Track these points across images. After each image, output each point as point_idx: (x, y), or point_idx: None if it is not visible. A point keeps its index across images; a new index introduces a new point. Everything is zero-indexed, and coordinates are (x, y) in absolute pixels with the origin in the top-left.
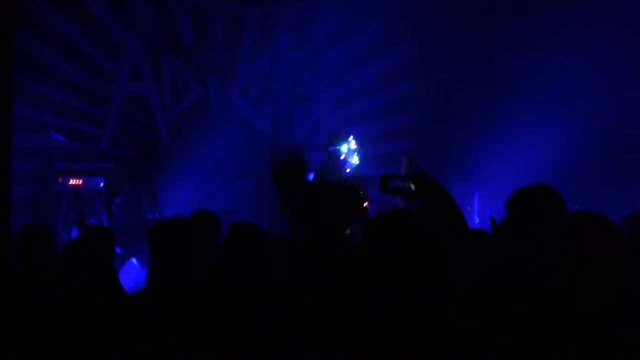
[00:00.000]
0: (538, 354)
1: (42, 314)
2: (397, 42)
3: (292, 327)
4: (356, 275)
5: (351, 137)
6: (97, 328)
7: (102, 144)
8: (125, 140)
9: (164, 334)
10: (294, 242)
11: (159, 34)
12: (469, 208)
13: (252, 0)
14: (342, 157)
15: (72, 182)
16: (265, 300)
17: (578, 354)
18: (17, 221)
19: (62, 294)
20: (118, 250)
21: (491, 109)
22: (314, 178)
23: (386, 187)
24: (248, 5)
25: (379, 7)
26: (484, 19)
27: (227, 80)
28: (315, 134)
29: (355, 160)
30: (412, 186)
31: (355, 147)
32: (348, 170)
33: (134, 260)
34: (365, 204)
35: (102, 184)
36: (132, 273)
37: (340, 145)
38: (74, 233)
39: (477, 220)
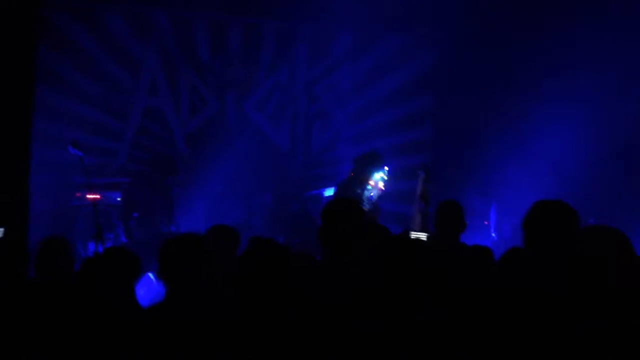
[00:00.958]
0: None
1: (59, 326)
2: (415, 56)
3: (312, 341)
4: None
5: (386, 168)
6: (111, 342)
7: (120, 159)
8: (142, 155)
9: (179, 348)
10: (312, 257)
11: (177, 48)
12: (486, 223)
13: (269, 14)
14: (372, 183)
15: (89, 196)
16: (284, 313)
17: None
18: (34, 235)
19: (79, 310)
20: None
21: (508, 125)
22: (335, 192)
23: None
24: (265, 20)
25: (396, 22)
26: (502, 35)
27: (244, 95)
28: (332, 149)
29: (376, 193)
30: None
31: (383, 187)
32: (371, 194)
33: (150, 275)
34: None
35: (119, 199)
36: (149, 287)
37: (374, 170)
38: (91, 247)
39: (493, 235)
